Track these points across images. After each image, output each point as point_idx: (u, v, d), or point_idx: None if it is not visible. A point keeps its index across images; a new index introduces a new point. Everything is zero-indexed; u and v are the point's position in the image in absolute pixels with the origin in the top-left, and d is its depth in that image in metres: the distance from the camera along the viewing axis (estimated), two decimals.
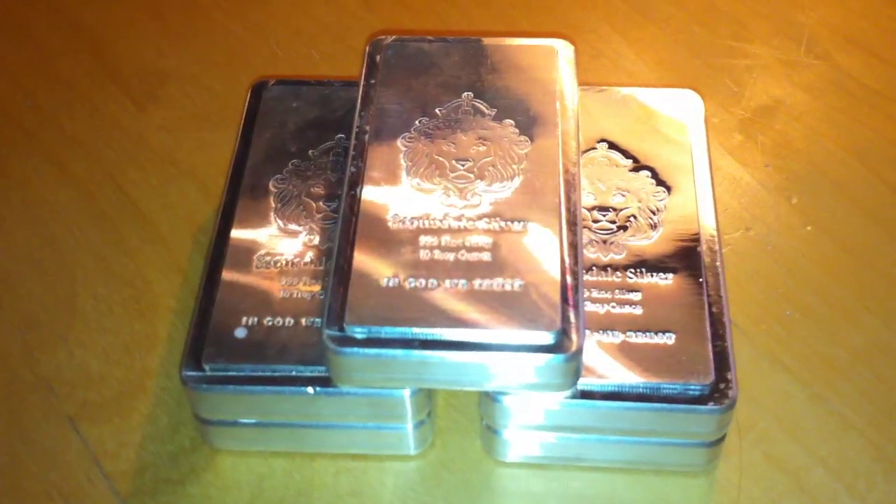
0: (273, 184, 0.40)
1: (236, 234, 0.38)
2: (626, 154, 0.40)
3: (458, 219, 0.35)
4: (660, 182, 0.39)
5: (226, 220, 0.39)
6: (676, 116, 0.41)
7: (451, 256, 0.34)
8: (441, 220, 0.35)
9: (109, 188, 0.46)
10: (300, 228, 0.38)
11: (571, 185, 0.36)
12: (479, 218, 0.35)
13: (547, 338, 0.32)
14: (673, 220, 0.38)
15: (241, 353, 0.35)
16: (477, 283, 0.33)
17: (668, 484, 0.36)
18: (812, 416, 0.38)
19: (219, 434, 0.37)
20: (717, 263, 0.37)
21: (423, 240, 0.35)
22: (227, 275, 0.37)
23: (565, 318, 0.32)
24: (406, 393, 0.35)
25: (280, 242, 0.38)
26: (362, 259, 0.34)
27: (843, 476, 0.37)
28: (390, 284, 0.34)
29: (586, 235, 0.38)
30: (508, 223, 0.35)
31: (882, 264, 0.42)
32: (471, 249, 0.34)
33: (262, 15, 0.53)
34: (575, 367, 0.33)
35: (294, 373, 0.35)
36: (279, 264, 0.37)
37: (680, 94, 0.42)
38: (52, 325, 0.41)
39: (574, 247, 0.34)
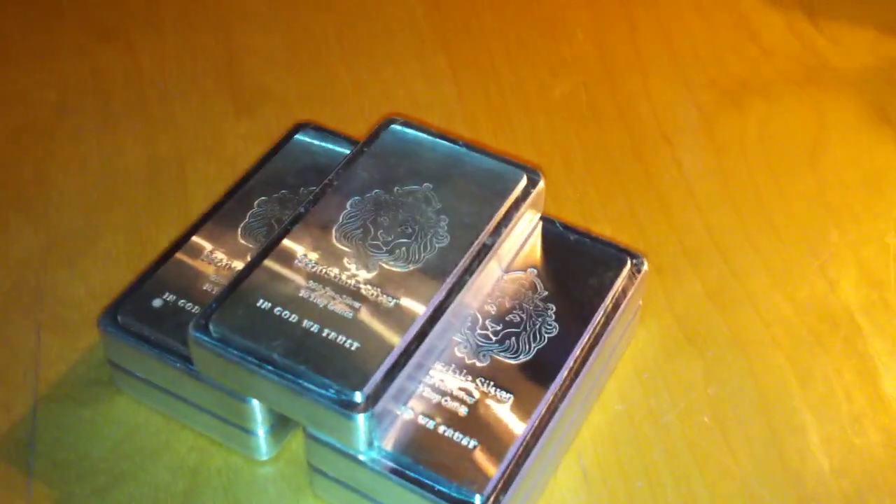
0: (257, 203, 0.47)
1: (206, 228, 0.46)
2: (545, 286, 0.44)
3: (349, 278, 0.41)
4: (558, 318, 0.42)
5: (210, 212, 0.46)
6: (611, 273, 0.44)
7: (322, 304, 0.40)
8: (334, 274, 0.41)
9: (175, 169, 0.55)
10: (252, 246, 0.45)
11: (457, 286, 0.40)
12: (364, 283, 0.40)
13: (348, 394, 0.37)
14: (545, 355, 0.41)
15: (148, 317, 0.42)
16: (326, 331, 0.39)
17: None
18: None
19: (118, 378, 0.44)
20: (563, 405, 0.40)
21: (311, 283, 0.40)
22: (183, 253, 0.45)
23: (372, 385, 0.37)
24: (255, 400, 0.40)
25: (233, 249, 0.45)
26: (257, 279, 0.40)
27: None
28: (263, 306, 0.39)
29: (465, 335, 0.42)
30: (383, 296, 0.40)
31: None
32: (340, 304, 0.40)
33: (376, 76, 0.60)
34: (363, 428, 0.37)
35: (176, 348, 0.41)
36: (219, 265, 0.44)
37: (631, 257, 0.45)
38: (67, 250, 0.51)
39: (422, 335, 0.39)
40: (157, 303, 0.43)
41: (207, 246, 0.45)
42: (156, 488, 0.42)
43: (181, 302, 0.43)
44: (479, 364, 0.41)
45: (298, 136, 0.50)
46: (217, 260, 0.44)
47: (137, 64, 0.60)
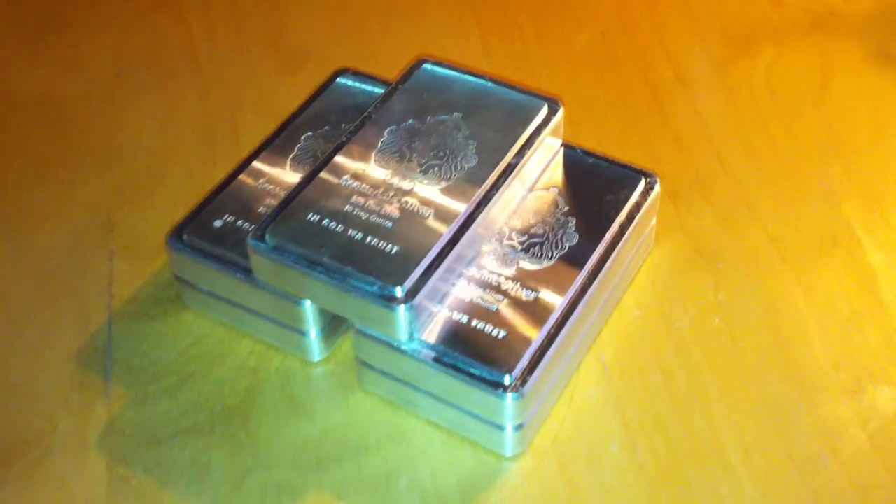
0: (304, 138, 0.52)
1: (263, 157, 0.51)
2: (566, 202, 0.48)
3: (388, 193, 0.45)
4: (577, 229, 0.47)
5: (261, 148, 0.51)
6: (626, 190, 0.48)
7: (364, 216, 0.44)
8: (375, 190, 0.45)
9: (226, 121, 0.60)
10: (300, 173, 0.50)
11: (485, 200, 0.45)
12: (402, 197, 0.45)
13: (390, 289, 0.42)
14: (566, 260, 0.46)
15: (210, 235, 0.47)
16: (369, 238, 0.44)
17: (471, 455, 0.44)
18: (618, 469, 0.44)
19: (185, 293, 0.49)
20: (582, 301, 0.44)
21: (355, 199, 0.45)
22: (239, 181, 0.50)
23: (411, 281, 0.42)
24: (307, 302, 0.45)
25: (283, 177, 0.50)
26: (305, 197, 0.45)
27: None
28: (312, 219, 0.44)
29: (494, 246, 0.46)
30: (420, 207, 0.45)
31: (761, 381, 0.47)
32: (382, 216, 0.44)
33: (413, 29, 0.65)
34: (404, 319, 0.42)
35: (236, 261, 0.46)
36: (272, 191, 0.49)
37: (645, 176, 0.49)
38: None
39: (454, 240, 0.44)
40: (217, 223, 0.48)
41: (260, 174, 0.50)
42: (220, 385, 0.47)
43: (239, 222, 0.48)
44: (506, 269, 0.46)
45: (339, 80, 0.55)
46: (269, 186, 0.49)
47: (189, 29, 0.66)
